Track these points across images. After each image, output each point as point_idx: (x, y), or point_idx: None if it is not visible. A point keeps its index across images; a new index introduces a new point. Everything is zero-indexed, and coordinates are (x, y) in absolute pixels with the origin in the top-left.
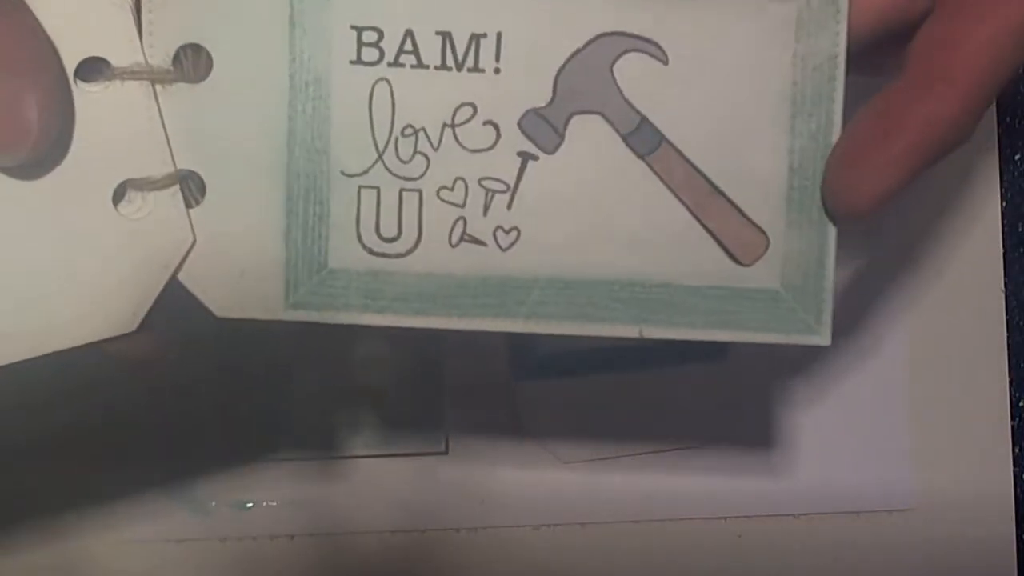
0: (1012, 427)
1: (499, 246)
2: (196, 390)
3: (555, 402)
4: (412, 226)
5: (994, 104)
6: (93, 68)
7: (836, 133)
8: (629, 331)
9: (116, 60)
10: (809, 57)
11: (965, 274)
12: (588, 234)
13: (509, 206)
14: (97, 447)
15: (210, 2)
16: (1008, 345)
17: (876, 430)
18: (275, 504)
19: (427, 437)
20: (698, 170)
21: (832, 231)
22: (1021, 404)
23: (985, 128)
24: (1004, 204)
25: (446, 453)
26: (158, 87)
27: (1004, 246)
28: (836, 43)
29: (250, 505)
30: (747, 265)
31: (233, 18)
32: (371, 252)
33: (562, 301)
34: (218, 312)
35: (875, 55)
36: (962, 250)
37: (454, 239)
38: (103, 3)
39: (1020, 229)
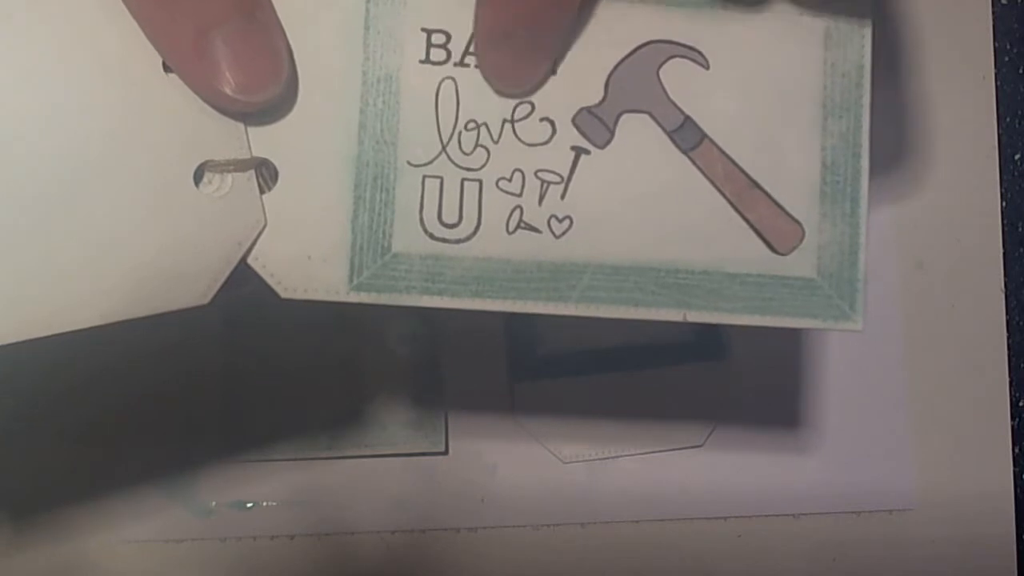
0: (1012, 427)
1: (553, 233)
2: (196, 390)
3: (555, 402)
4: (472, 213)
5: (994, 104)
6: None
7: (865, 134)
8: (673, 315)
9: None
10: (838, 64)
11: (965, 274)
12: (635, 223)
13: (563, 196)
14: (97, 447)
15: (292, 7)
16: (1008, 345)
17: (876, 430)
18: (275, 504)
19: (427, 437)
20: (737, 165)
21: (864, 222)
22: (1021, 404)
23: (985, 128)
24: (1004, 204)
25: (446, 453)
26: None
27: (1004, 246)
28: (863, 53)
29: (250, 505)
30: (784, 254)
31: (312, 18)
32: (432, 237)
33: (611, 286)
34: (283, 293)
35: None
36: (962, 250)
37: (511, 226)
38: None
39: (1020, 229)
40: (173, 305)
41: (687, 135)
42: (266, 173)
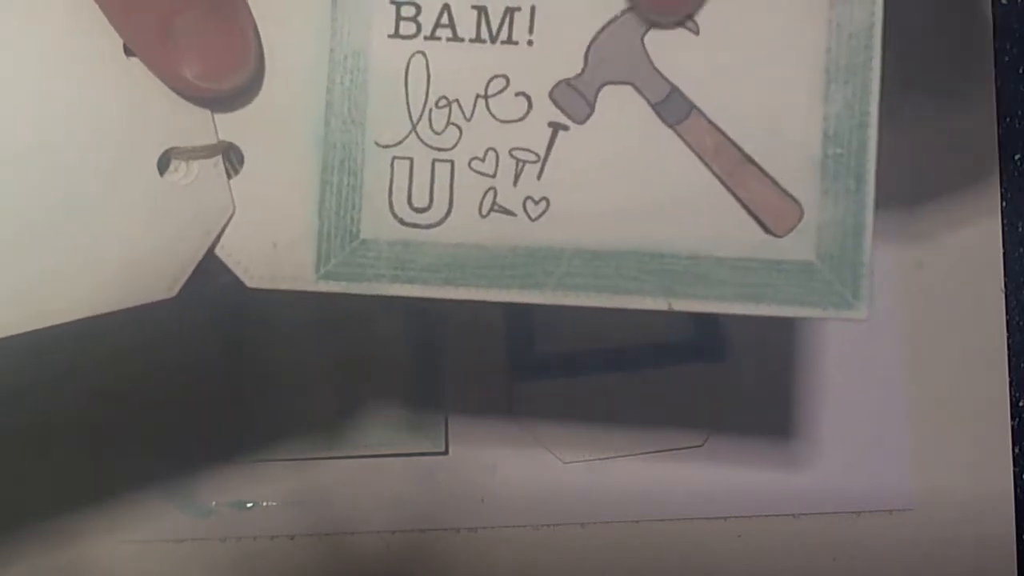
0: (1012, 427)
1: (528, 216)
2: (196, 390)
3: (555, 402)
4: (443, 196)
5: (994, 104)
6: None
7: (873, 101)
8: (658, 304)
9: None
10: (844, 25)
11: (965, 274)
12: (617, 205)
13: (539, 176)
14: (97, 447)
15: None
16: (1008, 345)
17: (876, 430)
18: (275, 504)
19: (427, 437)
20: (729, 139)
21: (869, 200)
22: (1021, 404)
23: (985, 128)
24: (1004, 204)
25: (446, 453)
26: None
27: (1004, 246)
28: (873, 11)
29: (250, 505)
30: (780, 236)
31: None
32: (402, 223)
33: (590, 272)
34: (249, 283)
35: None
36: (962, 250)
37: (484, 209)
38: None
39: (1020, 229)
40: (138, 300)
41: (673, 107)
42: (233, 158)
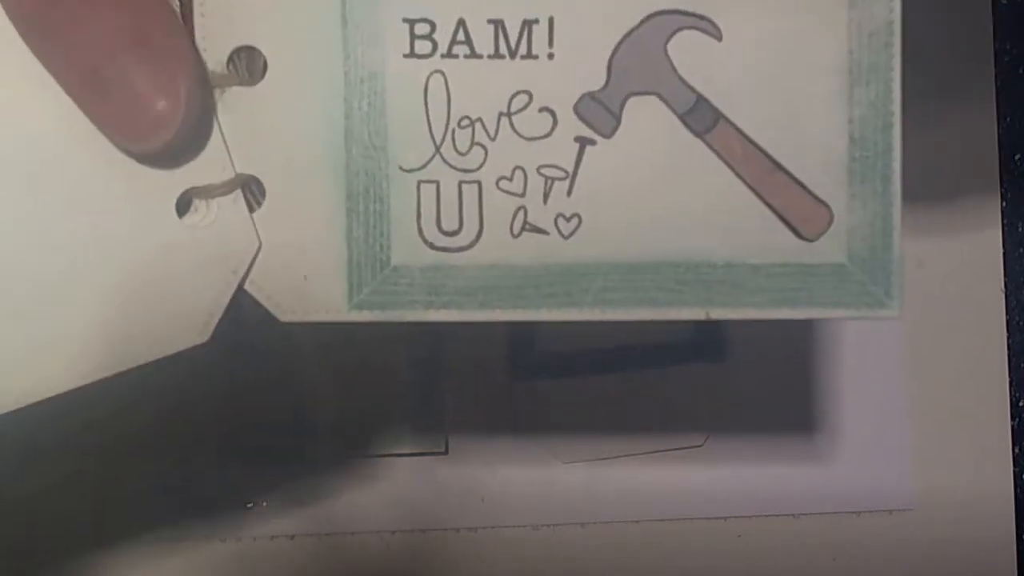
0: (1012, 427)
1: (561, 234)
2: (197, 391)
3: (555, 402)
4: (473, 218)
5: (994, 104)
6: None
7: (896, 101)
8: (696, 313)
9: None
10: (864, 23)
11: (965, 274)
12: (649, 217)
13: (569, 193)
14: (96, 447)
15: (262, 4)
16: (1008, 345)
17: (876, 430)
18: (275, 504)
19: (427, 437)
20: (757, 146)
21: (897, 201)
22: (1021, 404)
23: (985, 128)
24: (1004, 204)
25: (446, 453)
26: (214, 92)
27: (1004, 246)
28: (891, 8)
29: (250, 505)
30: (812, 240)
31: (285, 18)
32: (433, 247)
33: (627, 286)
34: (282, 317)
35: None
36: (962, 250)
37: (515, 229)
38: None
39: (1020, 229)
40: (171, 348)
41: (701, 116)
42: (254, 190)
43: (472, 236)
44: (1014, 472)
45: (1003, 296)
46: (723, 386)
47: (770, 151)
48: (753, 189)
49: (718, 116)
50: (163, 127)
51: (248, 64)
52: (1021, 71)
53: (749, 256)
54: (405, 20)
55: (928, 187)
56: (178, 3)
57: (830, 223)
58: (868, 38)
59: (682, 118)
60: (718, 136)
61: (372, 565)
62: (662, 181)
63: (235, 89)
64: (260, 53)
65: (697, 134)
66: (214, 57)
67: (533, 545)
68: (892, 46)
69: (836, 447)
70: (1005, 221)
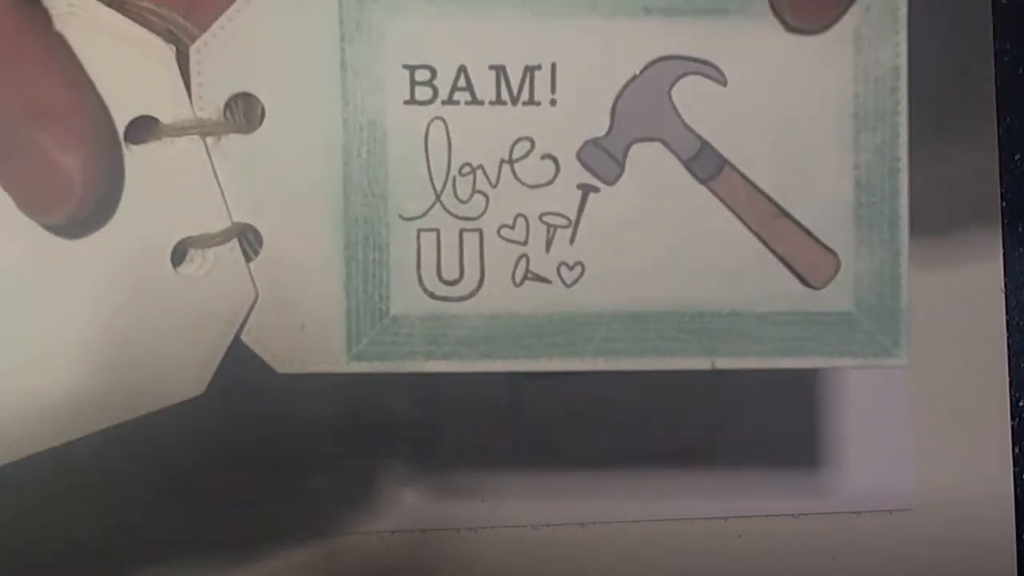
0: (1012, 427)
1: (563, 282)
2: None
3: (555, 402)
4: (474, 267)
5: (994, 104)
6: (141, 127)
7: (903, 146)
8: (701, 363)
9: (165, 117)
10: (870, 68)
11: (965, 274)
12: (653, 265)
13: (572, 241)
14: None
15: (259, 50)
16: (1008, 345)
17: (876, 430)
18: (276, 504)
19: (428, 437)
20: (762, 192)
21: (904, 247)
22: (1021, 404)
23: (985, 128)
24: (1004, 204)
25: (447, 453)
26: (210, 139)
27: (1004, 246)
28: (897, 53)
29: (251, 505)
30: (818, 288)
31: (283, 65)
32: (433, 296)
33: (631, 336)
34: (279, 369)
35: None
36: (962, 251)
37: (517, 278)
38: (148, 60)
39: (1020, 229)
40: (166, 401)
41: (705, 163)
42: (251, 239)
43: (473, 285)
44: (1014, 472)
45: (1003, 296)
46: (723, 387)
47: (775, 197)
48: (758, 236)
49: (723, 162)
50: (64, 201)
51: (245, 111)
52: (1021, 71)
53: (754, 304)
54: (405, 66)
55: (927, 187)
56: (174, 51)
57: (837, 270)
58: (874, 83)
59: (686, 164)
60: (723, 182)
61: (372, 565)
62: (666, 228)
63: (232, 136)
64: (258, 100)
65: (702, 180)
66: (211, 105)
67: (533, 545)
68: (898, 91)
69: (836, 447)
70: (1005, 221)
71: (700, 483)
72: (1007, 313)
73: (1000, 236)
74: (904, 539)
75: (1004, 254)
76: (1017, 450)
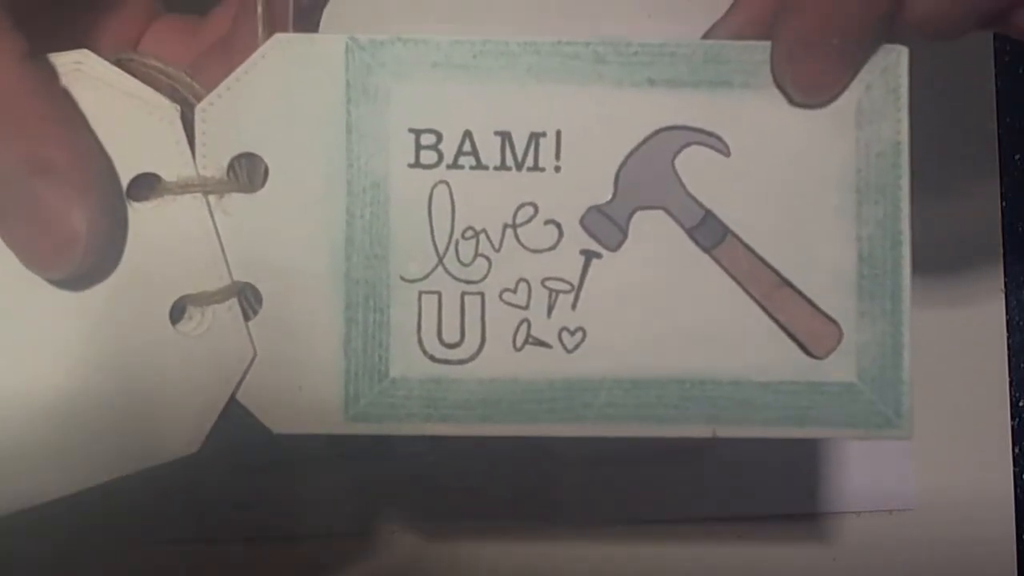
0: (1012, 427)
1: (564, 348)
2: None
3: None
4: (475, 331)
5: (994, 104)
6: (144, 184)
7: (905, 220)
8: (702, 431)
9: (167, 175)
10: (872, 144)
11: (965, 274)
12: (655, 332)
13: (574, 306)
14: None
15: (264, 111)
16: (1008, 345)
17: None
18: (275, 504)
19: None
20: (765, 262)
21: (906, 319)
22: (1021, 404)
23: (985, 128)
24: (1004, 204)
25: (448, 452)
26: (212, 198)
27: (1004, 246)
28: (899, 130)
29: (251, 505)
30: (821, 358)
31: (288, 126)
32: (433, 359)
33: (631, 402)
34: (275, 429)
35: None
36: (962, 251)
37: (518, 342)
38: (152, 118)
39: (1020, 229)
40: (160, 458)
41: (708, 232)
42: (250, 298)
43: (474, 349)
44: (1014, 472)
45: (1003, 296)
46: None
47: (778, 267)
48: (761, 305)
49: (725, 232)
50: (67, 256)
51: (249, 171)
52: (1021, 71)
53: (756, 373)
54: (411, 130)
55: (928, 187)
56: (178, 110)
57: (839, 340)
58: (876, 158)
59: (689, 233)
60: (725, 251)
61: (372, 565)
62: (668, 296)
63: (235, 196)
64: (261, 160)
65: (704, 249)
66: (214, 164)
67: (534, 545)
68: (900, 167)
69: (836, 447)
70: (1005, 221)
71: (700, 483)
72: (1007, 313)
73: (1000, 236)
74: (904, 539)
75: (1004, 254)
76: (1017, 450)
